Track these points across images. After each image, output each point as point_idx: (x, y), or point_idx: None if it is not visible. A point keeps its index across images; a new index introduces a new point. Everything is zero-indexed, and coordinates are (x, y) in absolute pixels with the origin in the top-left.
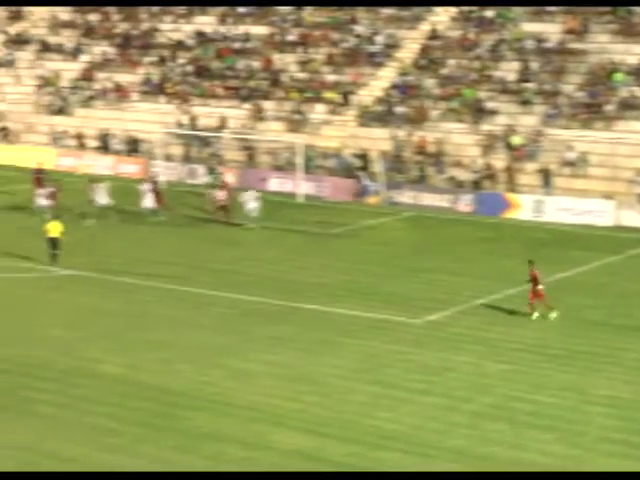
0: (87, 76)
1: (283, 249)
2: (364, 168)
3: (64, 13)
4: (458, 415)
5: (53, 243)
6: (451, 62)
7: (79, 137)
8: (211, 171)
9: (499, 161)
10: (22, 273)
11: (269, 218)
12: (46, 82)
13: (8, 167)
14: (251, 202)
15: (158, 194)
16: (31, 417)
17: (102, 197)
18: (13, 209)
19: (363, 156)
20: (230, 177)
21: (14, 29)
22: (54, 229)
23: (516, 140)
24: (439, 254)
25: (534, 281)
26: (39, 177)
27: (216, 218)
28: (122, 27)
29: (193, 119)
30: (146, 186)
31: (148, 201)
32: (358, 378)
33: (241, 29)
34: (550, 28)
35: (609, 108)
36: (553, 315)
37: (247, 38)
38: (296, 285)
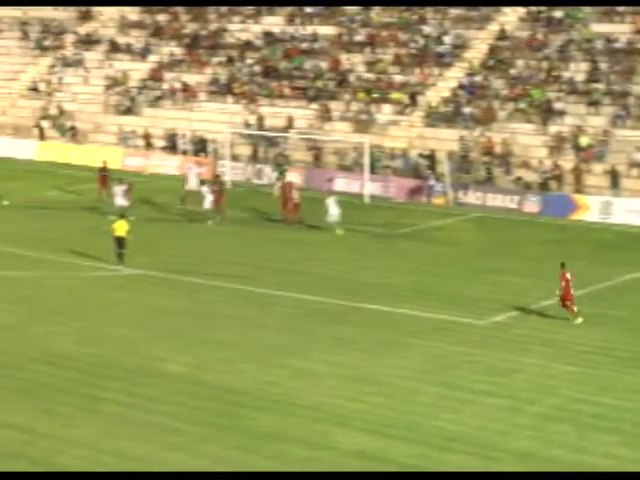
0: (155, 76)
1: (348, 249)
2: (431, 169)
3: (133, 13)
4: (522, 417)
5: (119, 242)
6: (519, 62)
7: (147, 137)
8: (278, 168)
9: (567, 162)
10: (90, 272)
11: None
12: (115, 82)
13: (76, 167)
14: (333, 207)
15: (219, 196)
16: (97, 415)
17: (120, 198)
18: (81, 209)
19: (430, 157)
20: (296, 177)
21: (84, 29)
22: (120, 228)
23: (584, 141)
24: (505, 255)
25: (566, 285)
26: (104, 176)
27: (286, 218)
28: (190, 27)
29: (260, 119)
30: (205, 188)
31: (207, 202)
32: (422, 379)
33: (309, 29)
34: (619, 28)
35: None
36: (579, 321)
37: (315, 38)
38: (361, 285)
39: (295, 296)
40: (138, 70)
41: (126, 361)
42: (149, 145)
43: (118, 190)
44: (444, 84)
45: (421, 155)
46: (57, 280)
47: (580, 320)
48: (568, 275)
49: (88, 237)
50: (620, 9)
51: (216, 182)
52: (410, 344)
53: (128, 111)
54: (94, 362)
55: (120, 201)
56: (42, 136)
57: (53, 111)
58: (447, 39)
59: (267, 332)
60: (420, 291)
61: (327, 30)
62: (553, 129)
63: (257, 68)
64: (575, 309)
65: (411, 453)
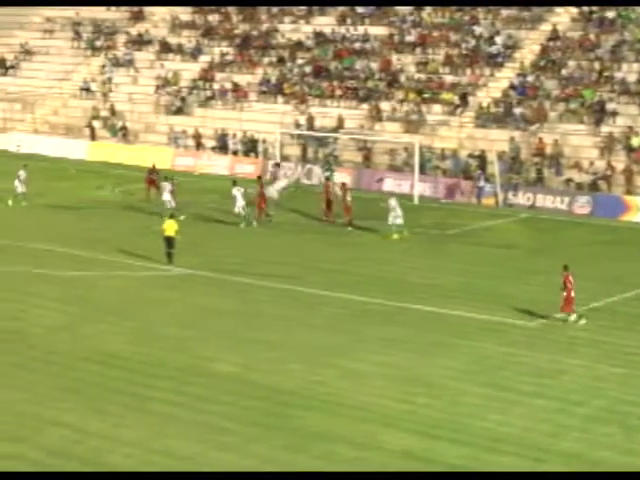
0: (206, 76)
1: (397, 250)
2: (481, 169)
3: (185, 14)
4: (570, 418)
5: (169, 242)
6: (571, 63)
7: (197, 137)
8: (327, 167)
9: (618, 163)
10: (141, 272)
11: (384, 218)
12: (166, 82)
13: (127, 167)
14: (398, 208)
15: (261, 198)
16: (146, 414)
17: (167, 195)
18: (131, 208)
19: (480, 157)
20: (346, 177)
21: (135, 30)
22: (170, 228)
23: (636, 142)
24: (555, 256)
25: (567, 286)
26: (152, 178)
27: (327, 218)
28: (242, 28)
29: (310, 119)
30: (236, 190)
31: (238, 205)
32: (470, 380)
33: (360, 30)
34: None
35: None
36: (572, 318)
37: (366, 39)
38: (409, 286)
39: (343, 296)
40: (189, 70)
41: (176, 360)
42: (199, 145)
43: (166, 187)
44: (495, 84)
45: (471, 156)
46: (109, 280)
47: (583, 321)
48: (571, 277)
49: (139, 237)
50: None
51: (259, 184)
52: (457, 345)
53: (179, 111)
54: (144, 361)
55: (167, 197)
56: (93, 136)
57: (104, 112)
58: (499, 39)
59: (315, 332)
60: (468, 292)
61: (378, 30)
62: (604, 130)
63: (308, 68)
64: (574, 310)
65: (458, 454)
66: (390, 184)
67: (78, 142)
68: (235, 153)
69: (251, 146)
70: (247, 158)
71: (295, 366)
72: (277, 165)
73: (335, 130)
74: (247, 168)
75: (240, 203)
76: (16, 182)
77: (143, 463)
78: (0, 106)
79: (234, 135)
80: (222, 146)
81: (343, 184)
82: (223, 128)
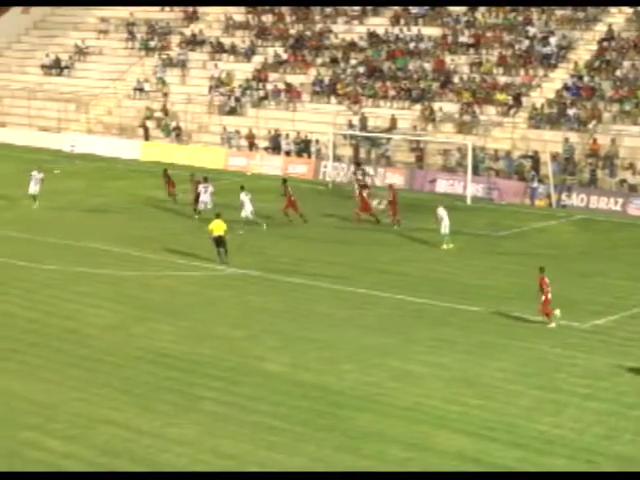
0: (259, 77)
1: (448, 250)
2: (534, 170)
3: (238, 14)
4: (624, 421)
5: (218, 242)
6: (625, 64)
7: (250, 137)
8: (360, 169)
9: None
10: (193, 272)
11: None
12: (219, 83)
13: (181, 166)
14: (445, 218)
15: (290, 200)
16: (197, 414)
17: (208, 197)
18: (185, 207)
19: (533, 158)
20: (398, 178)
21: (189, 30)
22: (218, 228)
23: None
24: (608, 258)
25: (542, 290)
26: (168, 182)
27: (358, 217)
28: (295, 28)
29: (363, 120)
30: (244, 195)
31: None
32: (523, 381)
33: (413, 30)
34: None
35: None
36: (557, 314)
37: (419, 39)
38: (461, 286)
39: (394, 296)
40: (242, 70)
41: (226, 360)
42: (252, 145)
43: (207, 189)
44: (549, 85)
45: (524, 156)
46: (161, 279)
47: (553, 325)
48: (547, 280)
49: (192, 237)
50: None
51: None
52: (510, 346)
53: (232, 111)
54: (195, 361)
55: (207, 198)
56: (147, 136)
57: (158, 113)
58: (553, 40)
59: (366, 332)
60: (521, 293)
61: (432, 31)
62: None
63: (361, 69)
64: (549, 313)
65: (511, 456)
66: (443, 185)
67: (131, 142)
68: (288, 153)
69: (304, 146)
70: (300, 158)
71: (346, 366)
72: (358, 165)
73: (388, 131)
74: (299, 168)
75: (249, 208)
76: (31, 183)
77: (194, 462)
78: (54, 106)
79: (287, 135)
80: (275, 146)
81: (390, 185)
82: (276, 128)
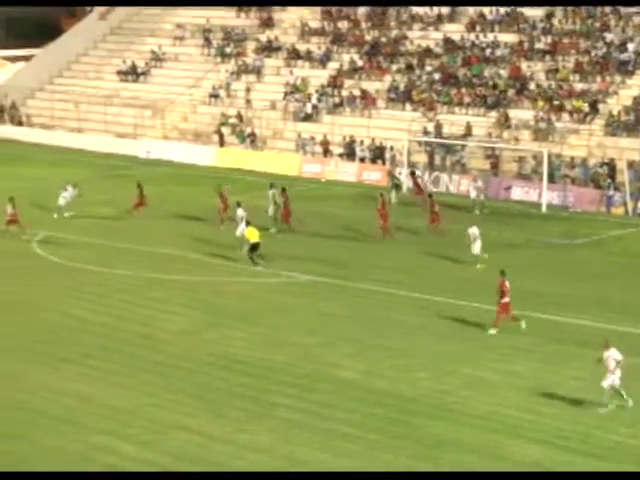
0: (335, 83)
1: (524, 258)
2: (610, 178)
3: (314, 21)
4: None
5: (254, 247)
6: None
7: (325, 144)
8: (392, 178)
9: None
10: (264, 278)
11: (512, 227)
12: (294, 89)
13: (255, 173)
14: (478, 240)
15: (286, 209)
16: (270, 420)
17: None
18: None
19: (609, 166)
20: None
21: (265, 36)
22: (252, 235)
23: None
24: None
25: (501, 293)
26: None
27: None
28: (371, 34)
29: (438, 127)
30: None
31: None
32: (599, 391)
33: (489, 36)
34: None
35: None
36: (523, 325)
37: (495, 45)
38: (535, 295)
39: (467, 304)
40: (318, 77)
41: (299, 367)
42: (327, 152)
43: (270, 195)
44: (626, 92)
45: (601, 164)
46: (233, 285)
47: (493, 331)
48: (507, 283)
49: (265, 243)
50: None
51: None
52: (586, 355)
53: (307, 118)
54: (268, 367)
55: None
56: (222, 142)
57: (233, 119)
58: (630, 47)
59: (440, 340)
60: (597, 302)
61: (508, 37)
62: None
63: (436, 75)
64: (502, 319)
65: (587, 466)
66: (518, 192)
67: (207, 148)
68: (362, 160)
69: (378, 153)
70: (374, 165)
71: (420, 374)
72: (413, 174)
73: (463, 137)
74: (374, 175)
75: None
76: (63, 195)
77: (268, 468)
78: (130, 112)
79: (362, 142)
80: (349, 153)
81: (430, 195)
82: (351, 135)
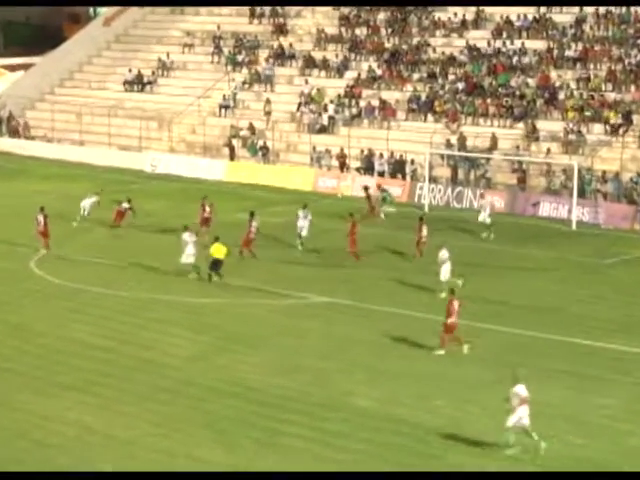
0: (352, 93)
1: (554, 279)
2: None
3: (330, 27)
4: None
5: (216, 264)
6: None
7: (341, 157)
8: (382, 193)
9: None
10: (275, 299)
11: (540, 243)
12: (309, 99)
13: (267, 188)
14: (448, 263)
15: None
16: (280, 450)
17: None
18: (270, 234)
19: None
20: (499, 201)
21: (278, 43)
22: (217, 251)
23: None
24: None
25: (448, 313)
26: (120, 210)
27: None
28: (391, 42)
29: (462, 139)
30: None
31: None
32: (631, 420)
33: (517, 43)
34: None
35: None
36: (465, 350)
37: (523, 53)
38: (565, 317)
39: (497, 328)
40: (334, 87)
41: (313, 394)
42: (343, 165)
43: (301, 215)
44: None
45: (634, 179)
46: (242, 307)
47: (441, 352)
48: (456, 303)
49: (270, 262)
50: None
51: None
52: (618, 381)
53: (323, 130)
54: (280, 395)
55: (303, 224)
56: (232, 156)
57: (244, 131)
58: None
59: (462, 366)
60: (630, 325)
61: (536, 44)
62: None
63: (460, 85)
64: (458, 337)
65: None
66: (546, 208)
67: (216, 162)
68: (381, 174)
69: (398, 167)
70: (394, 180)
71: (440, 402)
72: (366, 189)
73: (488, 150)
74: (393, 191)
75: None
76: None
77: None
78: (136, 124)
79: (381, 155)
80: (368, 167)
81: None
82: (369, 148)
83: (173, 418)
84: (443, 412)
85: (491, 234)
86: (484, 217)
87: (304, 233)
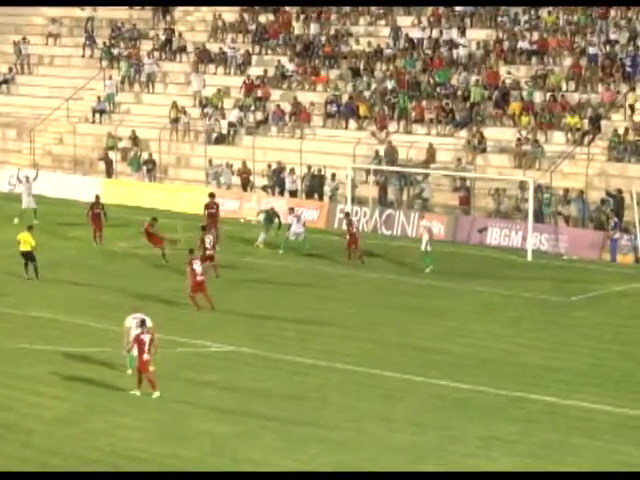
0: (257, 94)
1: (504, 321)
2: (616, 216)
3: (230, 13)
4: None
5: (26, 257)
6: None
7: (244, 173)
8: (266, 213)
9: None
10: (165, 347)
11: (488, 278)
12: (206, 101)
13: (153, 210)
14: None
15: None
16: None
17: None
18: (160, 266)
19: (615, 200)
20: (438, 226)
21: (165, 34)
22: (25, 243)
23: None
24: None
25: (139, 348)
26: (96, 212)
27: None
28: (304, 31)
29: (392, 150)
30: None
31: None
32: None
33: (458, 34)
34: None
35: None
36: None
37: (466, 45)
38: (520, 369)
39: (432, 382)
40: (235, 87)
41: (212, 465)
42: (247, 183)
43: (294, 219)
44: (636, 105)
45: (603, 198)
46: (124, 357)
47: (137, 392)
48: (145, 338)
49: (162, 304)
50: None
51: None
52: (585, 446)
53: (221, 139)
54: (170, 465)
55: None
56: (109, 172)
57: (124, 142)
58: None
59: (395, 429)
60: (599, 377)
61: (482, 34)
62: None
63: (389, 83)
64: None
65: None
66: (496, 235)
67: (89, 179)
68: (293, 194)
69: (316, 185)
70: (309, 201)
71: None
72: (347, 215)
73: (425, 164)
74: (308, 214)
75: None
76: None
77: None
78: None
79: (292, 170)
80: (277, 184)
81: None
82: (279, 161)
83: None
84: None
85: (429, 266)
86: (425, 245)
87: (300, 239)
